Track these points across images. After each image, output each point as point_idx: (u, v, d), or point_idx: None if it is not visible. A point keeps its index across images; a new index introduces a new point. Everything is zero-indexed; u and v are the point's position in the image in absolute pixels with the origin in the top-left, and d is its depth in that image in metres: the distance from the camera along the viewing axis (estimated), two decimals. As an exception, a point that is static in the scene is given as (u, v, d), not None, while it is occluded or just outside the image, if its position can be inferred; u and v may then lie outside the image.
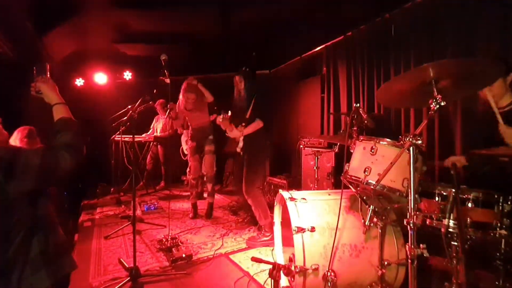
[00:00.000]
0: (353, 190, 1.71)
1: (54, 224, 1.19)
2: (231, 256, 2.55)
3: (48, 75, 1.31)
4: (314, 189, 3.39)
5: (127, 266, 2.24)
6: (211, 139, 3.68)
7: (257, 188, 2.85)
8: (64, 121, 1.22)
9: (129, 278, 2.08)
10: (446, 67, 1.27)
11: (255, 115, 2.83)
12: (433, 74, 1.25)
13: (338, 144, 3.29)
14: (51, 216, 1.19)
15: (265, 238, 2.76)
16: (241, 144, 2.90)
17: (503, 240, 1.37)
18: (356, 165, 1.63)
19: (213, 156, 3.71)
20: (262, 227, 2.85)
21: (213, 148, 3.69)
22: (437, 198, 1.43)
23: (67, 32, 3.85)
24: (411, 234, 1.26)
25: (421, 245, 1.26)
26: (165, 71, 2.71)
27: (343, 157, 1.72)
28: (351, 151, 1.71)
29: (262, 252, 2.62)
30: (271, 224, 2.76)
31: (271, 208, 2.44)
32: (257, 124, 2.82)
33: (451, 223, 1.36)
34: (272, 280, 1.53)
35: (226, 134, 2.95)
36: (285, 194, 1.85)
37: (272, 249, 2.37)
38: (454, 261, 1.40)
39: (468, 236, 1.37)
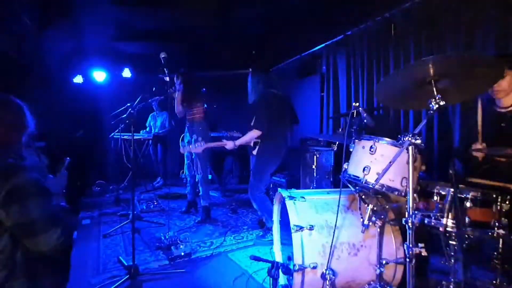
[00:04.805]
0: (352, 189, 1.71)
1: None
2: (230, 255, 2.55)
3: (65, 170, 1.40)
4: (313, 188, 3.39)
5: (126, 264, 2.24)
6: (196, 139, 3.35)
7: (262, 193, 2.76)
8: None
9: (128, 276, 2.08)
10: (446, 62, 1.27)
11: (253, 123, 2.64)
12: (433, 70, 1.24)
13: (337, 143, 3.29)
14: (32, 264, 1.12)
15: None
16: (256, 148, 2.81)
17: (501, 239, 1.38)
18: (355, 164, 1.63)
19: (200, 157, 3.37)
20: (269, 228, 2.78)
21: None
22: (435, 197, 1.43)
23: (66, 29, 3.83)
24: (409, 233, 1.26)
25: (419, 244, 1.27)
26: (165, 69, 2.71)
27: (342, 156, 1.72)
28: (350, 150, 1.71)
29: (261, 251, 2.62)
30: None
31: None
32: (251, 133, 2.64)
33: (450, 222, 1.36)
34: (271, 279, 1.53)
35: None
36: (284, 192, 1.86)
37: (271, 248, 2.37)
38: (452, 260, 1.40)
39: (466, 235, 1.37)
